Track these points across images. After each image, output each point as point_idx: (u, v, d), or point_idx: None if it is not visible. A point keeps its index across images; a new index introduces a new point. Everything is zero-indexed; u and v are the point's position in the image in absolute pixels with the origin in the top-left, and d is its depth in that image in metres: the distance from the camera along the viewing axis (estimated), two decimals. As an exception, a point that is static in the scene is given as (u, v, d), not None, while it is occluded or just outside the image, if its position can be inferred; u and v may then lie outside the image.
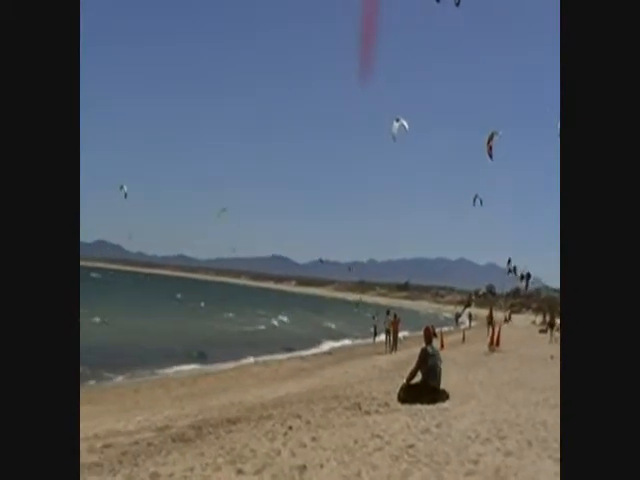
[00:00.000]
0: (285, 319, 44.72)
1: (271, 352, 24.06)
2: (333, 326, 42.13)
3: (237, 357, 21.75)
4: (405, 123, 13.98)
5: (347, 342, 31.62)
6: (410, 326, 34.90)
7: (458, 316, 37.67)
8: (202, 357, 21.24)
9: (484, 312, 45.45)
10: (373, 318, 30.78)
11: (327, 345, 29.46)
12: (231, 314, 44.72)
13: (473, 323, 45.09)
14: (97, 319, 30.17)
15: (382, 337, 26.16)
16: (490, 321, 31.11)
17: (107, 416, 10.59)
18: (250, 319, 41.80)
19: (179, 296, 65.86)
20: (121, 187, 24.78)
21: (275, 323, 41.54)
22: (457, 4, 7.85)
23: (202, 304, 53.72)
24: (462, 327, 34.39)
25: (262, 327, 37.97)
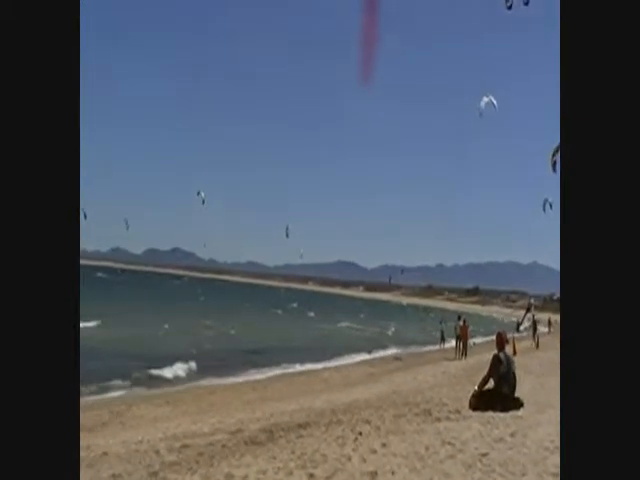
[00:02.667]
0: (393, 328, 48.54)
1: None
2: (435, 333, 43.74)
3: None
4: (494, 100, 13.62)
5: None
6: (480, 332, 34.93)
7: (519, 324, 35.83)
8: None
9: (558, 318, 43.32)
10: (440, 323, 30.25)
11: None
12: (345, 323, 48.71)
13: (545, 329, 43.05)
14: (233, 331, 32.97)
15: (451, 343, 25.67)
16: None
17: (184, 417, 10.98)
18: (364, 327, 47.03)
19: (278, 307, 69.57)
20: (198, 193, 25.67)
21: (389, 332, 45.53)
22: (526, 4, 7.63)
23: (312, 314, 57.16)
24: (537, 333, 33.19)
25: (389, 331, 44.24)
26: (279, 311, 57.83)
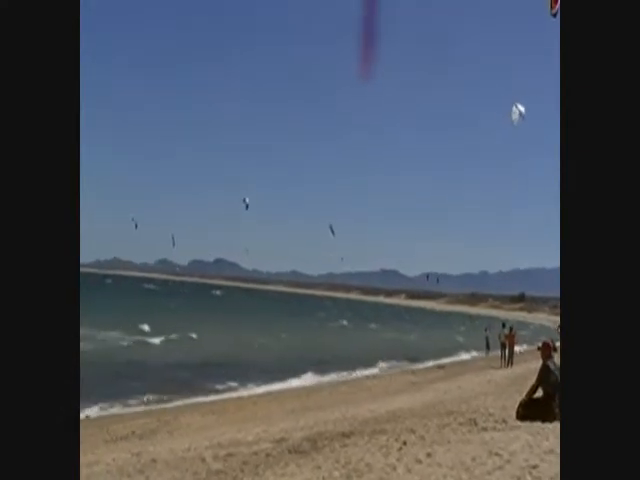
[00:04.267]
0: (461, 338, 47.84)
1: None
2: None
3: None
4: (522, 109, 13.28)
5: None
6: (527, 340, 34.54)
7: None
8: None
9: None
10: (485, 330, 29.74)
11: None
12: (414, 334, 47.71)
13: None
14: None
15: (496, 351, 25.19)
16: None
17: (229, 426, 11.12)
18: (436, 336, 46.55)
19: (323, 314, 70.35)
20: (244, 200, 26.19)
21: (460, 340, 45.01)
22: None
23: (373, 325, 56.58)
24: None
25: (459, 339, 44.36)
26: (344, 322, 57.34)
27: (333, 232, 31.56)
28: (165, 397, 15.68)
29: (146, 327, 32.81)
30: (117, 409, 14.21)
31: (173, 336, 29.58)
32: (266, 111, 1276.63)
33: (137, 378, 17.86)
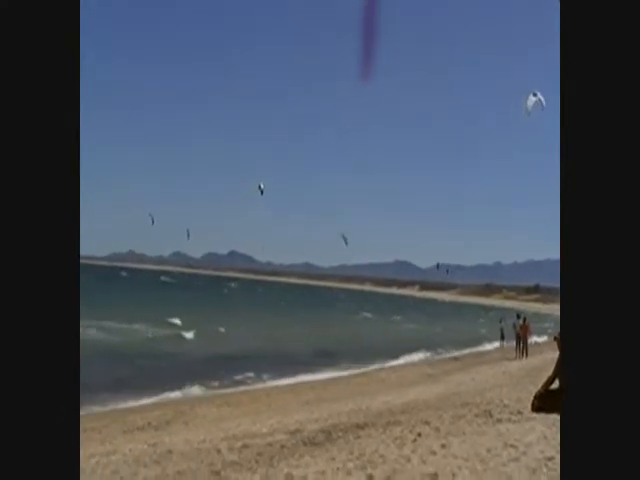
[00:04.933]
0: (483, 330, 46.91)
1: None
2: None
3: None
4: (542, 99, 13.07)
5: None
6: (543, 331, 34.43)
7: None
8: None
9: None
10: (500, 322, 29.63)
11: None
12: (438, 327, 46.78)
13: None
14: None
15: (511, 342, 25.07)
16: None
17: (244, 418, 11.19)
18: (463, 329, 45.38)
19: (342, 306, 70.17)
20: (259, 186, 26.20)
21: (483, 331, 44.43)
22: None
23: (395, 317, 55.44)
24: None
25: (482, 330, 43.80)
26: (367, 314, 56.30)
27: (346, 242, 31.48)
28: (195, 389, 15.92)
29: (177, 321, 32.97)
30: (143, 400, 14.39)
31: (203, 330, 29.85)
32: (266, 111, 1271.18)
33: (171, 371, 18.23)
